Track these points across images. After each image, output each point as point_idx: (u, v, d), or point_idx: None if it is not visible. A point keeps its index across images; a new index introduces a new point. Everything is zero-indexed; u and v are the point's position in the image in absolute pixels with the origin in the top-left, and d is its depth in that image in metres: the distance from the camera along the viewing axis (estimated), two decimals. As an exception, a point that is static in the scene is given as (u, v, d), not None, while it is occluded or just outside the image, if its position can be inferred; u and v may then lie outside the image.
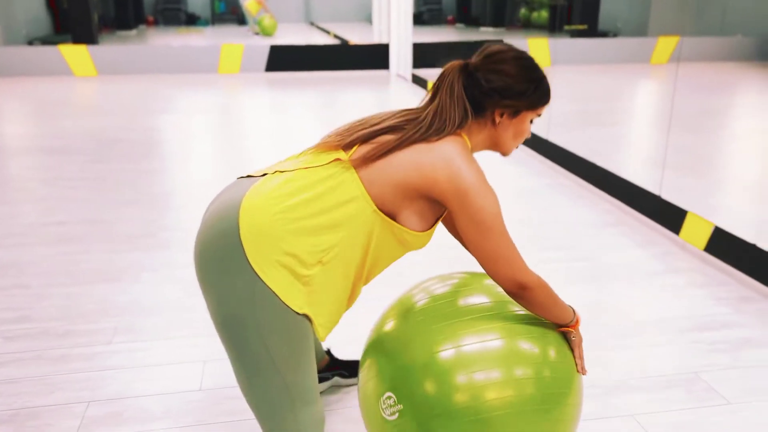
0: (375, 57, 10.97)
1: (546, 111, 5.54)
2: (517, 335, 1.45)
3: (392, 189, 1.31)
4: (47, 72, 10.04)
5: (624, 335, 2.49)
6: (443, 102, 1.36)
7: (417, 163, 1.29)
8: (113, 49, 10.16)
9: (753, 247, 2.88)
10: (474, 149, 1.45)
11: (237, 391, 2.13)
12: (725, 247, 3.03)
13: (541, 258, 3.20)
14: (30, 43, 14.01)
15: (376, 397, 1.53)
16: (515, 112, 1.40)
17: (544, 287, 1.38)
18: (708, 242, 3.14)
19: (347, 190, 1.30)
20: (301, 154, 1.44)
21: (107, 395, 2.10)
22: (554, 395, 1.44)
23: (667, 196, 3.54)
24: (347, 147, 1.36)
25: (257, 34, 16.35)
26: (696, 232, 3.23)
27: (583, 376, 2.22)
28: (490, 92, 1.37)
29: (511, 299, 1.51)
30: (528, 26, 23.67)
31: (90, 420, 1.98)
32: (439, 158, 1.29)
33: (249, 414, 2.01)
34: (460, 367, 1.42)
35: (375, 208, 1.31)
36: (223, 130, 6.21)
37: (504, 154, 1.48)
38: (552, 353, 1.46)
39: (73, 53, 10.05)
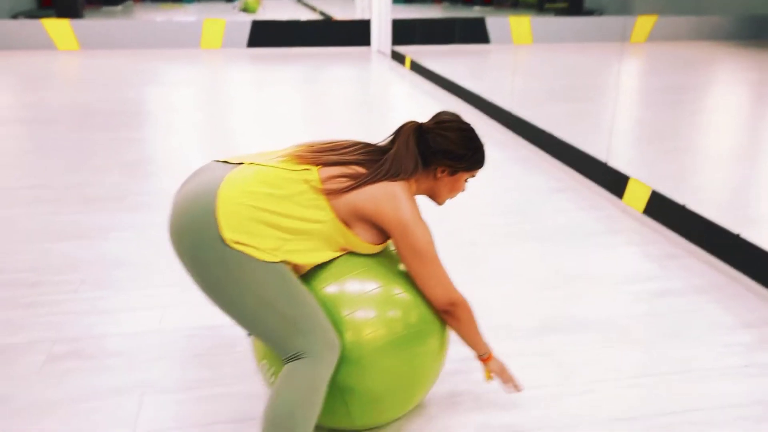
0: (356, 33, 11.07)
1: (511, 86, 5.70)
2: (393, 283, 1.66)
3: (348, 209, 1.58)
4: (30, 46, 10.09)
5: (553, 287, 2.70)
6: (400, 152, 1.65)
7: (372, 197, 1.58)
8: (96, 23, 10.21)
9: (683, 208, 3.08)
10: (416, 194, 1.75)
11: (194, 331, 2.32)
12: (660, 209, 3.24)
13: (491, 222, 3.39)
14: (14, 17, 13.97)
15: (259, 366, 1.72)
16: (453, 171, 1.71)
17: (469, 307, 1.70)
18: (646, 205, 3.35)
19: (312, 199, 1.56)
20: (274, 153, 1.68)
21: (71, 336, 2.29)
22: (418, 334, 1.65)
23: (613, 163, 3.73)
24: (316, 164, 1.62)
25: (243, 11, 16.35)
26: (636, 196, 3.43)
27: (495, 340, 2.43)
28: (436, 152, 1.68)
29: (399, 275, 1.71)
30: (517, 5, 23.67)
31: (54, 356, 2.17)
32: (388, 196, 1.58)
33: (204, 350, 2.21)
34: (342, 305, 1.61)
35: (334, 216, 1.58)
36: (203, 103, 6.35)
37: (438, 203, 1.80)
38: (421, 300, 1.67)
39: (55, 27, 10.09)
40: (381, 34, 10.62)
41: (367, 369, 1.60)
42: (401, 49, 9.79)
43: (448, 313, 1.68)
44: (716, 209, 3.41)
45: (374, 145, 1.70)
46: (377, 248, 1.67)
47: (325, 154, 1.63)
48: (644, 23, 11.88)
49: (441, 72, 7.37)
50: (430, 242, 1.60)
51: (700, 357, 2.21)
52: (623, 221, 3.39)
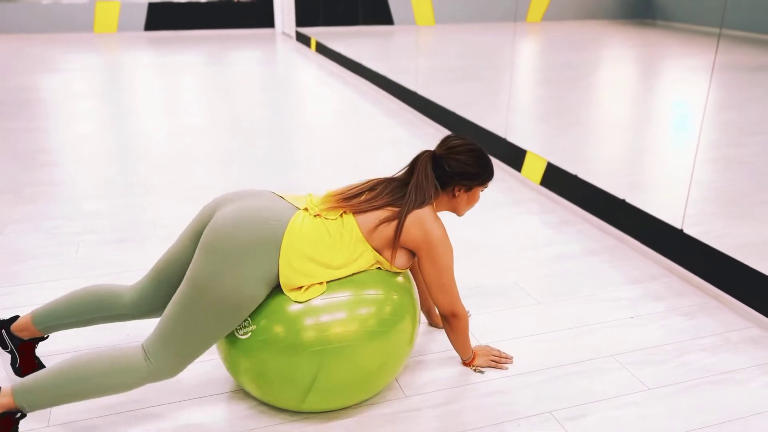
0: (260, 14, 10.88)
1: (415, 67, 5.82)
2: (363, 287, 1.79)
3: (382, 241, 1.79)
4: None
5: (461, 257, 2.84)
6: (420, 181, 1.85)
7: (404, 228, 1.79)
8: (-26, 6, 9.49)
9: (575, 177, 3.31)
10: (438, 212, 1.96)
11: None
12: (555, 179, 3.46)
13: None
14: None
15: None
16: (469, 188, 1.92)
17: (466, 320, 1.94)
18: (543, 176, 3.56)
19: (354, 240, 1.77)
20: (310, 200, 1.85)
21: (-28, 335, 2.19)
22: (389, 323, 1.79)
23: (512, 138, 3.93)
24: (351, 211, 1.81)
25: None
26: (533, 168, 3.64)
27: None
28: (452, 175, 1.88)
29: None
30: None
31: (-46, 356, 2.07)
32: (418, 222, 1.80)
33: (117, 340, 2.18)
34: (308, 314, 1.71)
35: (372, 250, 1.79)
36: (101, 90, 6.08)
37: (459, 215, 2.01)
38: (394, 296, 1.81)
39: (-73, 11, 9.31)
40: (285, 15, 10.50)
41: (340, 359, 1.72)
42: (306, 30, 9.72)
43: (447, 320, 1.93)
44: (606, 177, 3.68)
45: (395, 180, 1.89)
46: (405, 270, 1.88)
47: (356, 204, 1.81)
48: (539, 4, 12.36)
49: (347, 53, 7.41)
50: (451, 260, 1.84)
51: (592, 312, 2.41)
52: (523, 192, 3.59)
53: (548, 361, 2.11)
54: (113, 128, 4.74)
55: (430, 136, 4.69)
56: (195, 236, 1.83)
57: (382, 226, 1.79)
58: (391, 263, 1.82)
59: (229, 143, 4.44)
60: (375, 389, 1.85)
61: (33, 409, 1.67)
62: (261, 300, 1.72)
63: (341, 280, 1.77)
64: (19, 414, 1.67)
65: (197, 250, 1.71)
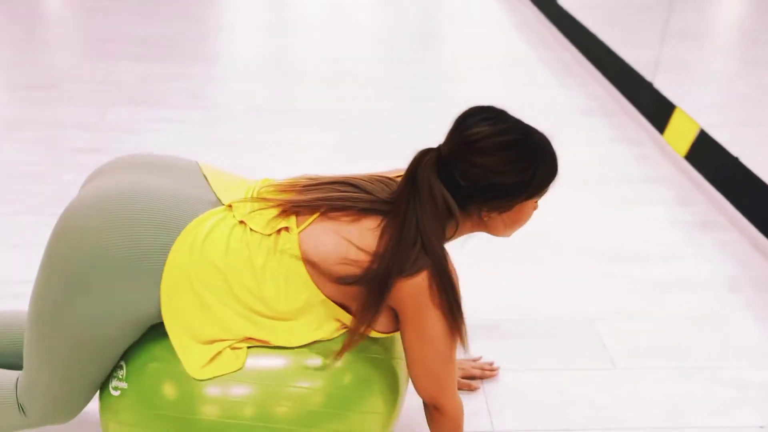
0: None
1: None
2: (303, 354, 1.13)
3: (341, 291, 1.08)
4: None
5: (504, 259, 2.02)
6: (423, 222, 1.04)
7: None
8: None
9: (735, 161, 2.26)
10: (456, 237, 1.17)
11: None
12: (707, 155, 2.41)
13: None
14: None
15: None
16: (507, 209, 1.11)
17: (458, 419, 1.17)
18: (690, 148, 2.51)
19: (298, 279, 1.07)
20: (260, 194, 1.15)
21: None
22: (346, 402, 1.13)
23: (660, 83, 2.85)
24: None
25: None
26: (680, 133, 2.60)
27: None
28: (470, 191, 1.07)
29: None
30: None
31: None
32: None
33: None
34: (213, 382, 1.09)
35: (325, 297, 1.08)
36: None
37: (497, 236, 1.20)
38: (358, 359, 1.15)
39: None
40: None
41: None
42: None
43: (428, 409, 1.19)
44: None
45: (385, 197, 1.10)
46: (387, 335, 1.18)
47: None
48: None
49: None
50: (453, 335, 1.09)
51: (694, 403, 1.53)
52: (659, 166, 2.59)
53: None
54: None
55: (564, 63, 3.67)
56: None
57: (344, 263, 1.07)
58: (365, 327, 1.09)
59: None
60: None
61: None
62: (129, 343, 1.13)
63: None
64: None
65: (41, 260, 1.13)
